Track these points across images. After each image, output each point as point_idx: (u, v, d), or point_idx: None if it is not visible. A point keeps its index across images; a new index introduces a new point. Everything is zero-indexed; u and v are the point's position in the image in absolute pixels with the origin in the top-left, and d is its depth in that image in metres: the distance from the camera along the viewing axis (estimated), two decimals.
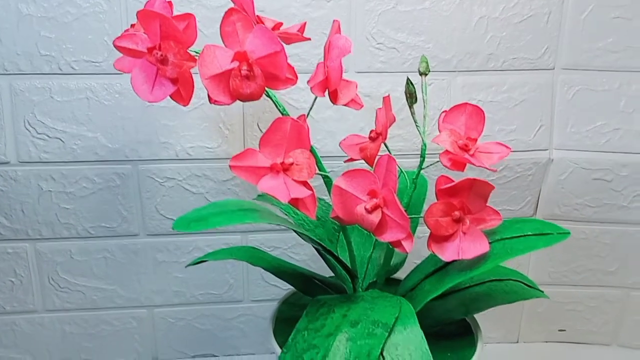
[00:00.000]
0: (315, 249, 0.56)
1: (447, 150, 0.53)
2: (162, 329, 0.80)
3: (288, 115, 0.51)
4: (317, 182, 0.62)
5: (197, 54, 0.47)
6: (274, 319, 0.59)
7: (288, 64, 0.48)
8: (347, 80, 0.55)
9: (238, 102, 0.48)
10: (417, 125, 0.55)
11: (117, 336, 0.79)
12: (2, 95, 0.68)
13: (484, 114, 0.54)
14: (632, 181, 0.77)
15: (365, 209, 0.50)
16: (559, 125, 0.77)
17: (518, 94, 0.75)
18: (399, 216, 0.49)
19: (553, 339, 0.87)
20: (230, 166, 0.47)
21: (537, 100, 0.76)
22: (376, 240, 0.62)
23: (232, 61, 0.47)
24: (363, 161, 0.57)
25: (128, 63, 0.52)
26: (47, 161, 0.70)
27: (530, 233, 0.52)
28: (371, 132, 0.57)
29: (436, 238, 0.52)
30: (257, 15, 0.52)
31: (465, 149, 0.53)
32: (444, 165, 0.52)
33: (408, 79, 0.55)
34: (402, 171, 0.56)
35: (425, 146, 0.55)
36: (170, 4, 0.51)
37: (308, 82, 0.51)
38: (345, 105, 0.55)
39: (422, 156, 0.55)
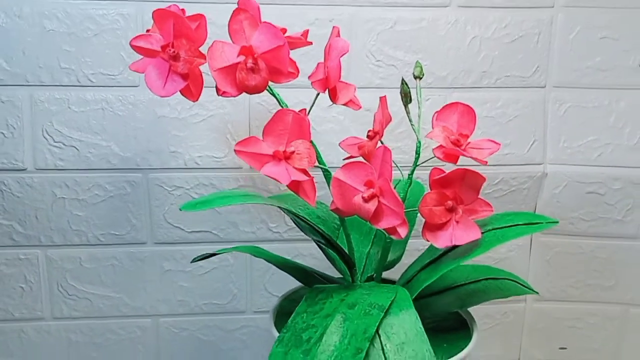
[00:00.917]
0: (316, 242, 0.59)
1: (440, 145, 0.56)
2: (166, 339, 0.81)
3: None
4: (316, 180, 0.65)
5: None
6: (275, 312, 0.61)
7: (290, 59, 0.52)
8: (346, 83, 0.59)
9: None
10: (412, 124, 0.59)
11: (122, 345, 0.80)
12: (22, 105, 0.72)
13: (474, 113, 0.58)
14: (624, 194, 0.80)
15: (363, 198, 0.52)
16: (552, 140, 0.80)
17: (512, 110, 0.79)
18: (394, 203, 0.52)
19: (554, 357, 0.87)
20: (235, 150, 0.50)
21: (530, 116, 0.79)
22: (374, 237, 0.65)
23: (238, 55, 0.51)
24: (362, 158, 0.60)
25: (142, 63, 0.56)
26: (62, 168, 0.74)
27: (520, 223, 0.54)
28: (369, 131, 0.60)
29: (430, 227, 0.54)
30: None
31: (457, 144, 0.56)
32: (437, 158, 0.55)
33: (403, 79, 0.59)
34: (398, 167, 0.59)
35: (420, 143, 0.58)
36: (183, 10, 0.55)
37: (309, 77, 0.55)
38: (344, 104, 0.59)
39: (417, 153, 0.58)
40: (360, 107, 0.60)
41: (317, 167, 0.56)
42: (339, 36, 0.57)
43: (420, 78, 0.60)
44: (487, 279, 0.61)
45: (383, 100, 0.60)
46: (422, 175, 0.62)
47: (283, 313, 0.61)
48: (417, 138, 0.58)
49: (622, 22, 0.77)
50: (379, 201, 0.52)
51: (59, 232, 0.76)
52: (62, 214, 0.75)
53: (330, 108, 0.77)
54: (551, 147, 0.80)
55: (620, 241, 0.82)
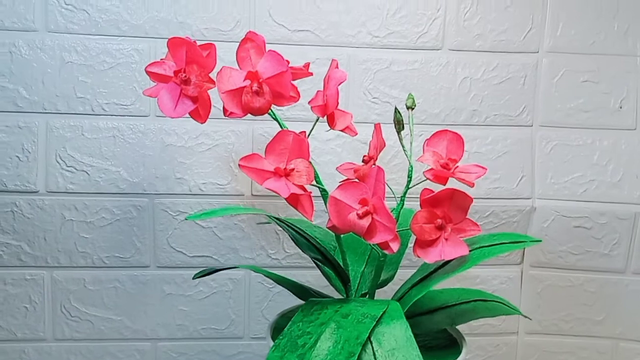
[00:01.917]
0: (312, 259, 0.62)
1: (431, 168, 0.60)
2: None
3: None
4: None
5: None
6: (272, 327, 0.63)
7: (292, 84, 0.57)
8: (343, 111, 0.63)
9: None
10: (404, 149, 0.63)
11: None
12: (38, 131, 0.76)
13: (462, 140, 0.62)
14: (610, 229, 0.83)
15: (357, 215, 0.56)
16: (539, 175, 0.84)
17: (501, 146, 0.83)
18: (387, 220, 0.55)
19: None
20: (239, 165, 0.54)
21: (519, 152, 0.84)
22: (368, 258, 0.68)
23: (244, 79, 0.56)
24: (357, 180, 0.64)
25: (155, 89, 0.61)
26: (72, 192, 0.78)
27: (506, 241, 0.58)
28: (364, 156, 0.64)
29: (421, 243, 0.57)
30: None
31: (446, 167, 0.60)
32: (428, 179, 0.59)
33: (396, 107, 0.63)
34: (392, 191, 0.63)
35: (412, 167, 0.62)
36: (195, 42, 0.60)
37: (309, 102, 0.59)
38: (341, 130, 0.63)
39: (410, 177, 0.62)
40: (357, 134, 0.64)
41: (315, 185, 0.59)
42: (337, 68, 0.62)
43: (413, 108, 0.65)
44: (477, 300, 0.64)
45: (378, 127, 0.64)
46: (415, 206, 0.65)
47: (280, 329, 0.63)
48: (409, 162, 0.62)
49: (602, 67, 0.82)
50: (372, 218, 0.56)
51: (66, 253, 0.79)
52: (69, 236, 0.78)
53: (329, 141, 0.81)
54: (539, 182, 0.84)
55: (608, 275, 0.85)
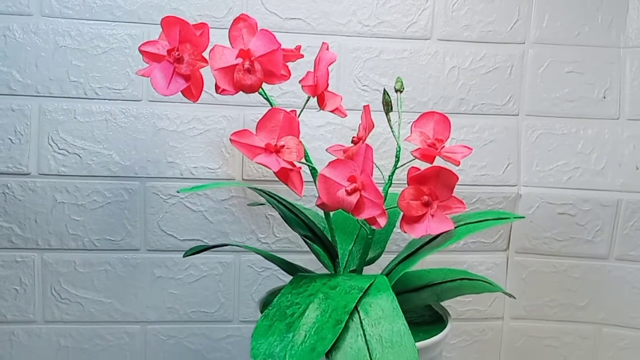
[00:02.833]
0: (302, 236, 0.63)
1: (418, 147, 0.61)
2: (153, 347, 0.83)
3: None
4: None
5: None
6: (262, 302, 0.64)
7: (283, 63, 0.58)
8: (333, 93, 0.65)
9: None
10: (392, 131, 0.64)
11: (109, 352, 0.82)
12: (31, 114, 0.77)
13: (449, 121, 0.63)
14: (593, 216, 0.85)
15: (346, 191, 0.57)
16: (525, 163, 0.86)
17: (487, 134, 0.85)
18: (375, 195, 0.56)
19: None
20: (230, 140, 0.55)
21: (505, 141, 0.85)
22: (356, 236, 0.69)
23: (236, 57, 0.57)
24: None
25: (148, 69, 0.62)
26: (64, 174, 0.78)
27: (490, 218, 0.59)
28: (353, 137, 0.66)
29: (407, 219, 0.59)
30: None
31: (433, 147, 0.62)
32: (415, 157, 0.61)
33: (384, 89, 0.65)
34: (379, 169, 0.64)
35: (400, 148, 0.63)
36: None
37: (300, 81, 0.60)
38: (331, 112, 0.64)
39: (397, 157, 0.63)
40: (346, 115, 0.65)
41: (304, 163, 0.61)
42: (328, 50, 0.63)
43: (401, 91, 0.66)
44: (462, 279, 0.65)
45: (366, 108, 0.66)
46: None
47: (269, 304, 0.64)
48: (397, 143, 0.64)
49: (586, 58, 0.84)
50: (360, 194, 0.57)
51: (57, 235, 0.79)
52: (60, 219, 0.79)
53: (319, 127, 0.82)
54: (525, 170, 0.86)
55: (592, 261, 0.86)
